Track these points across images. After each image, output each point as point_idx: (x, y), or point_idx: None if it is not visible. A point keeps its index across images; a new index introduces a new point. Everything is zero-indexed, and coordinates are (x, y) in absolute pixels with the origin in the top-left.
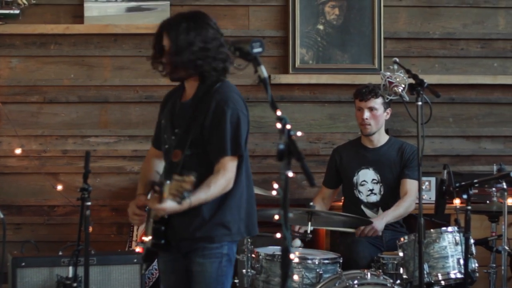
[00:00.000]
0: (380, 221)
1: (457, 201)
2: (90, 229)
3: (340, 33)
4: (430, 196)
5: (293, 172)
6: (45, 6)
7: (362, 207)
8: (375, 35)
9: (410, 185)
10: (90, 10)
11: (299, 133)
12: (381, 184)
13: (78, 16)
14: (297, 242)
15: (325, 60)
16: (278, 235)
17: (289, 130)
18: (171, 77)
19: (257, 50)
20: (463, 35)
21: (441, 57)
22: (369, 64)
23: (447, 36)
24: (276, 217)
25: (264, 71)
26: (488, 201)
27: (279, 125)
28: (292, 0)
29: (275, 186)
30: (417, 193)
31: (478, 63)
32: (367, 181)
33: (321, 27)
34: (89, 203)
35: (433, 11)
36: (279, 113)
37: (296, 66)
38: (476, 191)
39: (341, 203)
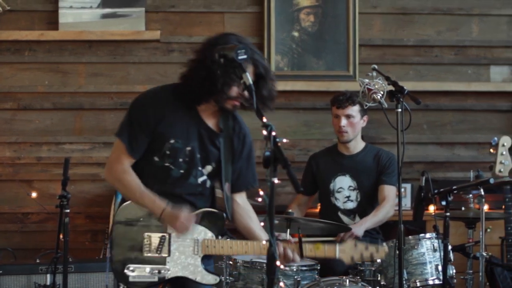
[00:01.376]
0: (359, 227)
1: (431, 208)
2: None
3: (315, 40)
4: (405, 202)
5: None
6: (19, 12)
7: (339, 214)
8: (350, 42)
9: (388, 191)
10: (65, 16)
11: (284, 140)
12: (357, 191)
13: (52, 22)
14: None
15: (300, 67)
16: (264, 242)
17: (275, 137)
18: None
19: (242, 57)
20: (437, 42)
21: (416, 64)
22: (344, 71)
23: (421, 43)
24: (261, 224)
25: (249, 78)
26: (463, 208)
27: (264, 132)
28: (267, 7)
29: (261, 193)
30: (396, 199)
31: (452, 70)
32: (344, 188)
33: (296, 34)
34: (68, 210)
35: (407, 18)
36: (265, 120)
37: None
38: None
39: (316, 210)
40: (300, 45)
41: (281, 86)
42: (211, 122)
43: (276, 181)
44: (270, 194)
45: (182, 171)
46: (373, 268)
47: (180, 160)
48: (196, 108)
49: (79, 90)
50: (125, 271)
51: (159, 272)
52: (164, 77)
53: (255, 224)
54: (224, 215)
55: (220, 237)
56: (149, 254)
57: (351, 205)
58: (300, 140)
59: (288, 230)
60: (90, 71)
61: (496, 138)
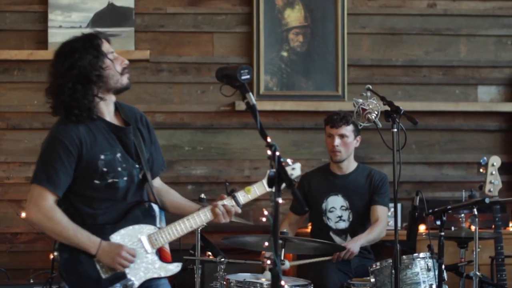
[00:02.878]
0: (354, 243)
1: (422, 228)
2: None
3: (304, 60)
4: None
5: (258, 199)
6: (8, 32)
7: (331, 233)
8: (338, 62)
9: (381, 211)
10: (54, 36)
11: (289, 160)
12: (350, 211)
13: (42, 42)
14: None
15: (289, 86)
16: (269, 262)
17: (279, 157)
18: None
19: (245, 77)
20: (425, 62)
21: (404, 84)
22: (332, 91)
23: (409, 63)
24: (266, 243)
25: (252, 98)
26: (453, 227)
27: (269, 152)
28: (257, 27)
29: (265, 213)
30: (387, 219)
31: (440, 90)
32: (336, 208)
33: (285, 53)
34: None
35: (396, 39)
36: (269, 140)
37: (260, 92)
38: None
39: (307, 230)
40: (289, 65)
41: (270, 106)
42: (116, 121)
43: (280, 201)
44: (275, 214)
45: (125, 178)
46: None
47: (119, 169)
48: (97, 116)
49: None
50: None
51: (126, 286)
52: (154, 97)
53: (179, 197)
54: (154, 205)
55: (162, 225)
56: (107, 275)
57: (343, 225)
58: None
59: (283, 250)
60: None
61: (485, 158)
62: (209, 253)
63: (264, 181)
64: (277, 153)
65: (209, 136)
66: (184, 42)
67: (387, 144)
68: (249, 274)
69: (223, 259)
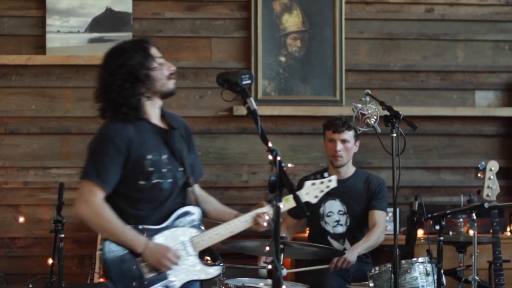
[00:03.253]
0: (352, 252)
1: (420, 232)
2: (51, 261)
3: (302, 65)
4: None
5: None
6: (6, 36)
7: (329, 238)
8: (336, 67)
9: (379, 216)
10: (52, 41)
11: (290, 165)
12: (347, 216)
13: (40, 47)
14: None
15: (287, 91)
16: (270, 266)
17: (280, 162)
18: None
19: (246, 82)
20: (423, 67)
21: (402, 89)
22: (330, 96)
23: (407, 68)
24: (267, 248)
25: (253, 103)
26: (451, 232)
27: (270, 157)
28: (255, 32)
29: (266, 218)
30: (385, 224)
31: (438, 95)
32: (334, 212)
33: (283, 58)
34: (62, 235)
35: (394, 44)
36: (270, 145)
37: (258, 97)
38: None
39: (304, 235)
40: (287, 70)
41: (268, 110)
42: (162, 125)
43: (282, 206)
44: (276, 219)
45: (170, 180)
46: None
47: (164, 170)
48: (144, 118)
49: (66, 114)
50: None
51: (167, 287)
52: None
53: (218, 204)
54: (199, 208)
55: (202, 228)
56: (150, 275)
57: (340, 229)
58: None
59: (282, 255)
60: (77, 95)
61: (483, 163)
62: (208, 257)
63: (303, 191)
64: (278, 158)
65: (207, 141)
66: (182, 47)
67: (387, 149)
68: (247, 278)
69: (222, 264)
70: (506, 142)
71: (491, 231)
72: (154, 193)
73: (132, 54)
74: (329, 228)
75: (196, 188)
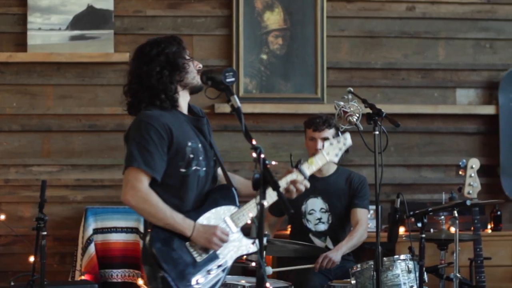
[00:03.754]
0: (336, 252)
1: (401, 229)
2: (32, 258)
3: (283, 63)
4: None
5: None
6: None
7: (310, 235)
8: (318, 64)
9: (361, 214)
10: (34, 38)
11: (273, 162)
12: (329, 213)
13: (21, 44)
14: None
15: (269, 89)
16: (253, 264)
17: (264, 159)
18: None
19: (230, 80)
20: (404, 65)
21: (383, 86)
22: (312, 93)
23: (388, 66)
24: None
25: (237, 101)
26: (432, 229)
27: (254, 155)
28: (236, 30)
29: (250, 215)
30: (368, 221)
31: (419, 93)
32: (316, 210)
33: (264, 56)
34: (45, 233)
35: (375, 42)
36: (254, 142)
37: (240, 95)
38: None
39: (286, 232)
40: (268, 68)
41: (249, 108)
42: (191, 114)
43: (265, 203)
44: (259, 216)
45: (204, 168)
46: None
47: (201, 158)
48: (178, 108)
49: (47, 112)
50: (195, 286)
51: (220, 266)
52: None
53: (243, 179)
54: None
55: (238, 205)
56: (202, 258)
57: (322, 227)
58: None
59: (264, 253)
60: (58, 93)
61: (464, 160)
62: None
63: (324, 152)
64: (262, 156)
65: None
66: None
67: (369, 146)
68: (229, 276)
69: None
70: (487, 140)
71: (472, 228)
72: (194, 181)
73: (168, 44)
74: (311, 226)
75: (218, 170)
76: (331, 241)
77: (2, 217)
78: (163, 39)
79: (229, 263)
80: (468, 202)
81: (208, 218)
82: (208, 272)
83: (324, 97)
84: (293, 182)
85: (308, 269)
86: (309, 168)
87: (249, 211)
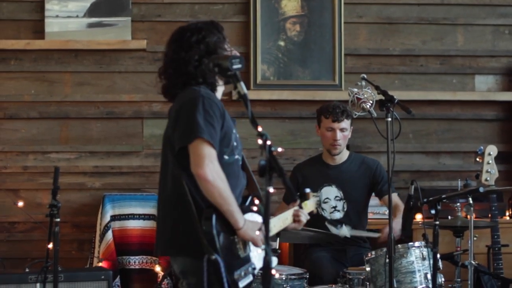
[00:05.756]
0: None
1: (418, 217)
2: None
3: (301, 50)
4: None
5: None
6: (5, 21)
7: (326, 224)
8: (335, 51)
9: (394, 198)
10: (51, 25)
11: (279, 149)
12: (344, 201)
13: (38, 31)
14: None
15: (286, 76)
16: (260, 251)
17: (270, 146)
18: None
19: (236, 66)
20: (423, 52)
21: (401, 73)
22: (329, 80)
23: (406, 53)
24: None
25: (244, 87)
26: (449, 216)
27: (260, 141)
28: (253, 16)
29: (256, 202)
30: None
31: (438, 79)
32: (330, 198)
33: (282, 43)
34: (58, 220)
35: (393, 28)
36: (260, 129)
37: (257, 82)
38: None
39: None
40: (286, 55)
41: (267, 95)
42: None
43: (271, 190)
44: (266, 203)
45: (240, 158)
46: (362, 277)
47: (240, 148)
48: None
49: (65, 99)
50: (235, 277)
51: (254, 268)
52: (150, 86)
53: None
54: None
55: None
56: (244, 254)
57: (337, 215)
58: (286, 150)
59: (278, 239)
60: (76, 80)
61: (482, 147)
62: None
63: (312, 200)
64: (268, 142)
65: None
66: None
67: (382, 133)
68: None
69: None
70: (505, 127)
71: (489, 215)
72: (234, 169)
73: (209, 32)
74: (326, 214)
75: None
76: (346, 229)
77: (21, 204)
78: (204, 25)
79: (258, 269)
80: (481, 189)
81: (250, 216)
82: (246, 271)
83: (342, 83)
84: (295, 215)
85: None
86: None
87: (273, 228)
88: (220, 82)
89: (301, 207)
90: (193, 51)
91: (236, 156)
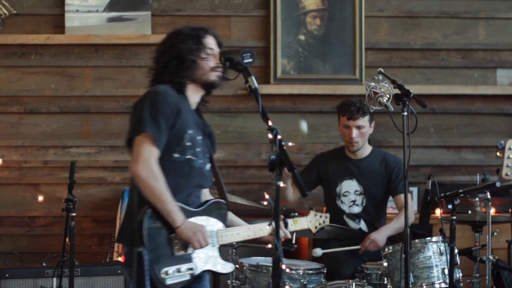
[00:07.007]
0: (378, 234)
1: (438, 211)
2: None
3: (321, 44)
4: (412, 206)
5: (262, 182)
6: (26, 16)
7: (344, 217)
8: (356, 45)
9: (403, 199)
10: (71, 20)
11: (290, 144)
12: (363, 196)
13: (59, 26)
14: (319, 251)
15: (307, 70)
16: (269, 245)
17: (280, 141)
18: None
19: (247, 60)
20: (444, 46)
21: (422, 67)
22: (350, 74)
23: (427, 47)
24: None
25: (255, 82)
26: (469, 211)
27: (270, 136)
28: (274, 11)
29: (266, 196)
30: (412, 204)
31: (459, 73)
32: (350, 192)
33: (302, 37)
34: (74, 214)
35: (414, 22)
36: (270, 123)
37: (278, 76)
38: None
39: None
40: (306, 49)
41: (287, 89)
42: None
43: (281, 184)
44: (276, 197)
45: (200, 161)
46: (380, 272)
47: (198, 149)
48: (186, 97)
49: (85, 94)
50: (162, 275)
51: (190, 269)
52: None
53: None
54: (225, 204)
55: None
56: (179, 253)
57: (356, 209)
58: (307, 144)
59: (295, 234)
60: (96, 74)
61: (502, 142)
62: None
63: (309, 218)
64: (279, 137)
65: (227, 119)
66: None
67: (398, 127)
68: (262, 257)
69: (234, 243)
70: None
71: (510, 210)
72: (184, 169)
73: (185, 38)
74: (344, 207)
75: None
76: (365, 224)
77: (41, 198)
78: (185, 31)
79: (198, 272)
80: (498, 184)
81: (200, 222)
82: (178, 270)
83: (363, 78)
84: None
85: (341, 251)
86: (292, 225)
87: (232, 236)
88: (193, 87)
89: (285, 223)
90: (164, 54)
91: (189, 156)
